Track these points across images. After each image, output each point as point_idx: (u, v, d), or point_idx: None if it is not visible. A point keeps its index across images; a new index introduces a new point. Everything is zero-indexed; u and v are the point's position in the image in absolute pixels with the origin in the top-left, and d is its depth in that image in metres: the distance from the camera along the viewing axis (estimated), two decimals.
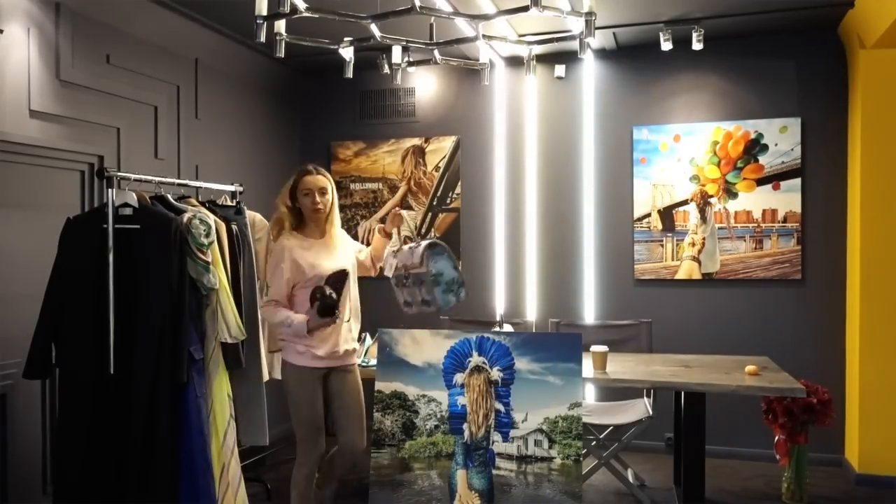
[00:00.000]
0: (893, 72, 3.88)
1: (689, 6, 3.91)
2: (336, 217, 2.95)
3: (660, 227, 4.59)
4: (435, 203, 5.02)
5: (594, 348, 3.28)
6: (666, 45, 4.13)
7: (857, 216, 4.00)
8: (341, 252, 2.95)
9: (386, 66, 4.32)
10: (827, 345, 4.29)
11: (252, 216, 3.32)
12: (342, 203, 5.28)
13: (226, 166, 4.40)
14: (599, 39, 4.41)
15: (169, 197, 2.88)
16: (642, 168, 4.61)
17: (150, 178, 2.91)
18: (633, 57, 4.63)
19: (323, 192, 2.86)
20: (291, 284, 2.83)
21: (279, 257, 2.83)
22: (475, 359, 2.64)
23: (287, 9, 2.33)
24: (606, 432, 3.89)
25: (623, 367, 3.35)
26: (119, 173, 2.74)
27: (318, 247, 2.89)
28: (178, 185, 3.16)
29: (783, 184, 4.37)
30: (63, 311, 2.69)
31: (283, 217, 2.89)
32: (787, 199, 4.36)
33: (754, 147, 4.41)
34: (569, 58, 4.69)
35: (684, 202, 4.55)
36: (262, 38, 2.43)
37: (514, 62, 4.81)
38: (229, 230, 3.01)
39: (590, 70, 4.71)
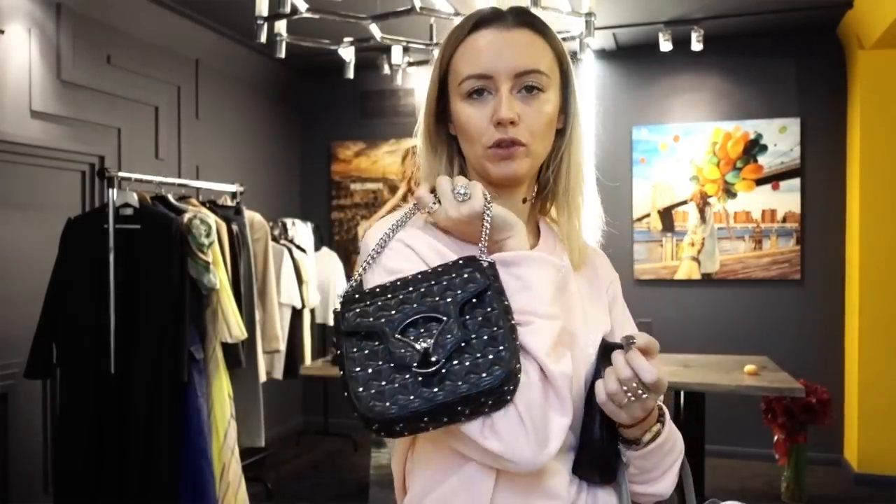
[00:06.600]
0: (892, 72, 3.89)
1: (688, 6, 3.92)
2: (576, 187, 1.02)
3: (659, 227, 4.59)
4: None
5: None
6: (665, 46, 4.13)
7: (857, 216, 4.01)
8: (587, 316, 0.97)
9: (386, 67, 4.33)
10: (826, 345, 4.30)
11: (251, 216, 3.32)
12: (341, 203, 5.29)
13: (226, 166, 4.41)
14: (599, 40, 4.41)
15: (170, 197, 2.88)
16: (642, 168, 4.61)
17: (150, 178, 2.91)
18: (632, 57, 4.63)
19: (529, 85, 0.90)
20: None
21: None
22: None
23: (287, 9, 2.34)
24: None
25: None
26: (120, 173, 2.74)
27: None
28: (179, 185, 3.16)
29: (782, 184, 4.37)
30: (64, 311, 2.69)
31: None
32: (787, 199, 4.37)
33: (753, 147, 4.42)
34: None
35: (684, 202, 4.55)
36: (263, 39, 2.44)
37: None
38: (230, 230, 3.02)
39: (589, 70, 4.72)
